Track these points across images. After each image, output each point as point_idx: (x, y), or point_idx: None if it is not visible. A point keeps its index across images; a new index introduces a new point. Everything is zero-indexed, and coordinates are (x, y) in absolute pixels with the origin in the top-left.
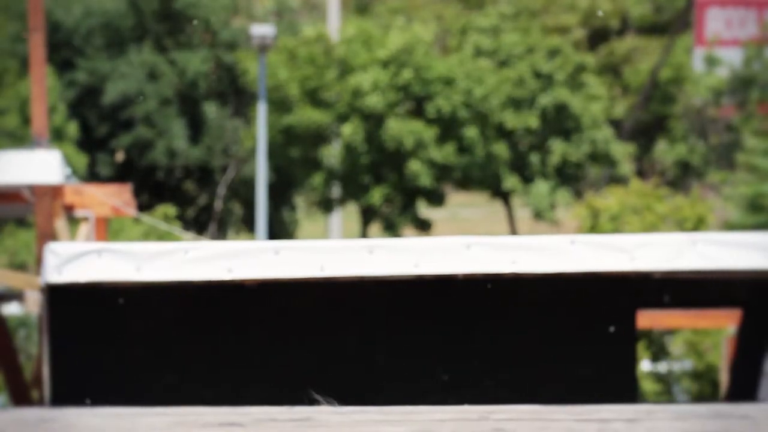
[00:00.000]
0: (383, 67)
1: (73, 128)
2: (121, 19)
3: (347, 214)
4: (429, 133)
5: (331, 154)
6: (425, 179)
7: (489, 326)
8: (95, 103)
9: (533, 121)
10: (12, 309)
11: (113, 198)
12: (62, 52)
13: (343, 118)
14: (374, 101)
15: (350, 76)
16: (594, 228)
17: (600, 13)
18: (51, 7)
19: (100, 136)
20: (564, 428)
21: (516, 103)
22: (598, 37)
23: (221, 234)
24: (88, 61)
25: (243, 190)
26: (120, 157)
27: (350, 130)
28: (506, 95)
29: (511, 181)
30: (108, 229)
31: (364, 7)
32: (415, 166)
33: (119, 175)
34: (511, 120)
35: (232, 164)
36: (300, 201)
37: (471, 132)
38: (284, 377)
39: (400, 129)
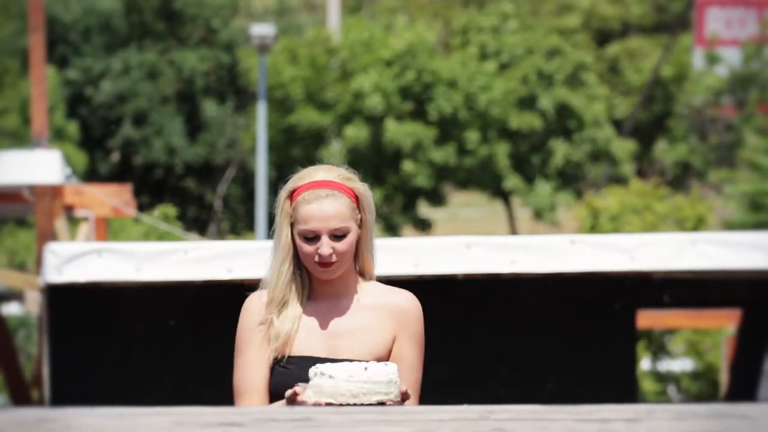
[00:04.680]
0: (386, 67)
1: (73, 127)
2: (119, 19)
3: None
4: (428, 134)
5: (332, 154)
6: (422, 180)
7: (489, 326)
8: (91, 102)
9: (536, 122)
10: (12, 309)
11: (113, 198)
12: (59, 50)
13: (343, 120)
14: (375, 102)
15: (352, 78)
16: (594, 228)
17: None
18: (49, 3)
19: (97, 135)
20: (564, 428)
21: (519, 104)
22: (600, 38)
23: (221, 234)
24: (83, 59)
25: (244, 190)
26: (116, 156)
27: (353, 132)
28: (512, 102)
29: (512, 182)
30: (108, 229)
31: (358, 7)
32: (409, 167)
33: (119, 175)
34: (515, 121)
35: (232, 163)
36: None
37: (472, 135)
38: None
39: (399, 131)
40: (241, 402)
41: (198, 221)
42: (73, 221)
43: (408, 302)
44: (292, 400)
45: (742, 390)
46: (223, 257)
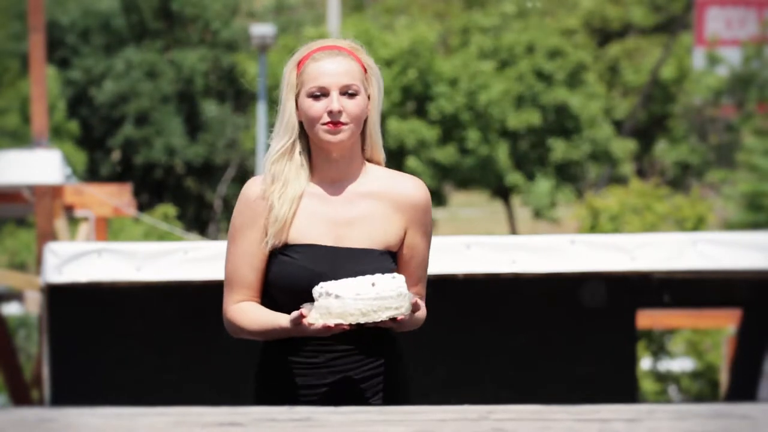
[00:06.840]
0: (386, 67)
1: (73, 127)
2: (118, 19)
3: None
4: (431, 133)
5: None
6: (424, 179)
7: (489, 326)
8: (92, 102)
9: (535, 118)
10: (12, 309)
11: (113, 198)
12: (59, 51)
13: None
14: None
15: None
16: (594, 228)
17: None
18: (48, 5)
19: (98, 135)
20: (564, 428)
21: (518, 102)
22: (600, 38)
23: (221, 234)
24: (83, 60)
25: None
26: (116, 156)
27: None
28: (510, 101)
29: (513, 179)
30: (108, 229)
31: (359, 6)
32: (413, 164)
33: (119, 175)
34: (513, 119)
35: (232, 163)
36: None
37: (473, 135)
38: None
39: (401, 128)
40: (229, 295)
41: (198, 221)
42: (73, 221)
43: (418, 191)
44: (298, 323)
45: (742, 390)
46: (223, 257)
